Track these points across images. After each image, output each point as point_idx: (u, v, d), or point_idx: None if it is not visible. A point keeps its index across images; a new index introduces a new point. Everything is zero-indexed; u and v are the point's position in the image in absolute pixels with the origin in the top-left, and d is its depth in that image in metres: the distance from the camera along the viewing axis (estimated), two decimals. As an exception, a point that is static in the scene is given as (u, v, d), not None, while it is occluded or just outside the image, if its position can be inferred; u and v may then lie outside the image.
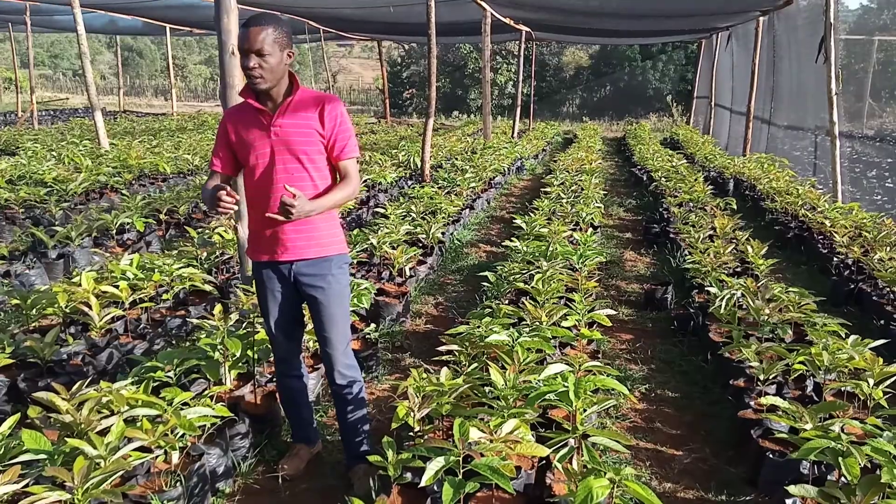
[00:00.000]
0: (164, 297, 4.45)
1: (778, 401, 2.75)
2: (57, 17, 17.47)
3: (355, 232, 5.85)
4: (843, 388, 3.22)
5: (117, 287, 3.99)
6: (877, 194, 8.56)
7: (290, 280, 2.68)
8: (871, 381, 2.94)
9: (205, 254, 5.11)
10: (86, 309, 3.83)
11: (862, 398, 3.01)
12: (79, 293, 3.85)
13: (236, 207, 2.44)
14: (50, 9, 15.67)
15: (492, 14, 12.88)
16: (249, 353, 3.21)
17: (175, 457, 2.62)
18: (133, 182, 8.79)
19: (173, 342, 4.14)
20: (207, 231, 5.57)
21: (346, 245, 2.81)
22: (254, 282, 2.79)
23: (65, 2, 10.73)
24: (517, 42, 17.76)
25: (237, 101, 4.03)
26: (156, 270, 4.37)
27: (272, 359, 3.44)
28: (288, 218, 2.42)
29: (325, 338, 2.75)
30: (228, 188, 2.41)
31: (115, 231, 6.12)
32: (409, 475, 2.47)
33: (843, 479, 2.28)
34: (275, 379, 3.23)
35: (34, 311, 3.93)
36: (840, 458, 2.20)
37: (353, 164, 2.68)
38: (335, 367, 2.77)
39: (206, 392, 2.98)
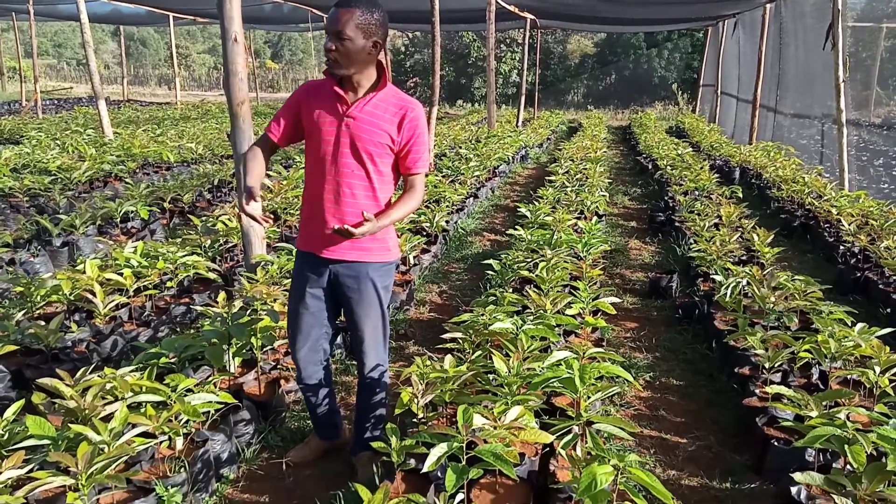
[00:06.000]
0: (169, 284, 4.46)
1: (783, 389, 2.74)
2: (60, 6, 17.44)
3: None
4: (849, 377, 3.21)
5: (121, 275, 3.99)
6: (884, 182, 8.49)
7: (326, 276, 2.60)
8: (878, 369, 2.93)
9: (209, 242, 5.10)
10: (90, 296, 3.83)
11: (868, 386, 2.99)
12: (83, 281, 3.86)
13: (265, 225, 2.42)
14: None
15: (496, 1, 12.79)
16: (253, 340, 3.21)
17: (179, 443, 2.62)
18: (137, 171, 8.79)
19: (177, 329, 4.15)
20: (211, 219, 5.56)
21: (392, 251, 2.66)
22: (293, 270, 2.71)
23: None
24: (521, 30, 17.65)
25: (240, 90, 4.07)
26: (160, 258, 4.37)
27: (275, 345, 3.45)
28: (348, 237, 2.34)
29: (356, 336, 2.69)
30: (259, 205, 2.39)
31: (119, 219, 6.12)
32: (412, 461, 2.46)
33: (848, 466, 2.27)
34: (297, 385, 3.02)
35: (39, 298, 3.94)
36: (846, 446, 2.19)
37: (421, 179, 2.58)
38: (365, 362, 2.72)
39: (209, 379, 2.98)
